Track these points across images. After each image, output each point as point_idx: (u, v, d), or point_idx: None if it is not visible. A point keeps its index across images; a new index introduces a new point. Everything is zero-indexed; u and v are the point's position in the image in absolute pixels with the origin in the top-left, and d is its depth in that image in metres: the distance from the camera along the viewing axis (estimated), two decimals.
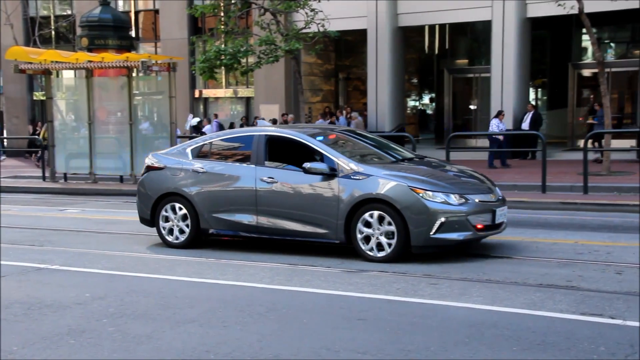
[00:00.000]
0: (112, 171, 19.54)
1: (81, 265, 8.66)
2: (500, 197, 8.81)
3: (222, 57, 20.37)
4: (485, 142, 23.25)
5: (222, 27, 22.15)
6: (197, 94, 29.62)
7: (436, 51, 29.31)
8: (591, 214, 12.17)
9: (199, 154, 9.69)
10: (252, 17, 23.41)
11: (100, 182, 19.31)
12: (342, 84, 30.28)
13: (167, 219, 9.66)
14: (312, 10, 20.31)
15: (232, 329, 5.91)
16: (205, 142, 9.93)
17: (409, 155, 9.66)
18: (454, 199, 8.21)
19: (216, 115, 26.10)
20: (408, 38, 26.84)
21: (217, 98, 30.18)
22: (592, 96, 25.08)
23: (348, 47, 29.05)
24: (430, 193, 8.16)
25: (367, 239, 8.37)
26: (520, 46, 23.08)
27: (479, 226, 8.30)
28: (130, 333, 5.84)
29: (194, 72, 23.88)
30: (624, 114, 24.97)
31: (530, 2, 21.98)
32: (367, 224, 8.33)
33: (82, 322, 6.18)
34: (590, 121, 21.47)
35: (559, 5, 17.32)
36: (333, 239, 8.60)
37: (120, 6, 30.93)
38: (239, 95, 29.62)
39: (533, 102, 25.02)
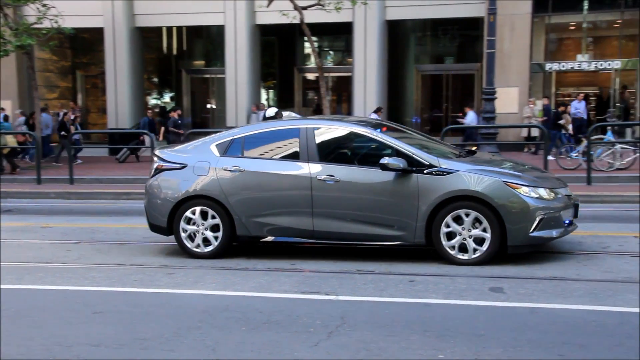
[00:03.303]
0: None
1: None
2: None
3: None
4: None
5: None
6: None
7: (174, 52, 29.04)
8: None
9: (228, 150, 8.09)
10: None
11: None
12: (80, 80, 28.76)
13: (191, 225, 8.01)
14: (44, 5, 19.00)
15: None
16: (235, 137, 8.18)
17: (459, 150, 8.54)
18: (545, 194, 7.35)
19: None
20: (146, 38, 26.27)
21: None
22: (315, 97, 26.57)
23: (85, 44, 27.63)
24: (525, 188, 7.23)
25: (453, 239, 7.30)
26: (252, 50, 23.77)
27: (566, 222, 7.55)
28: None
29: None
30: (343, 113, 26.81)
31: (259, 10, 22.68)
32: (455, 223, 7.27)
33: None
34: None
35: (283, 15, 18.14)
36: (410, 241, 7.46)
37: None
38: None
39: (264, 102, 25.85)
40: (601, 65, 21.83)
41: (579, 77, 23.44)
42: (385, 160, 7.35)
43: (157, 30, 26.99)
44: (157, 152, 8.61)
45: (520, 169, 7.94)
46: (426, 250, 7.56)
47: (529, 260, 7.40)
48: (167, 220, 8.10)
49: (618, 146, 15.37)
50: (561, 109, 18.99)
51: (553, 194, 7.41)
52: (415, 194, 7.32)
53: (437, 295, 6.28)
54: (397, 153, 7.48)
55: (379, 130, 7.93)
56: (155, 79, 29.84)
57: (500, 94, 16.54)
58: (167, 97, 29.70)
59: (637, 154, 15.08)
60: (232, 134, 8.33)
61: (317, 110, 24.19)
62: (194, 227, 7.99)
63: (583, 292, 6.21)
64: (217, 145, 8.16)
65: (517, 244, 7.21)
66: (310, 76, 27.21)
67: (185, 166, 8.11)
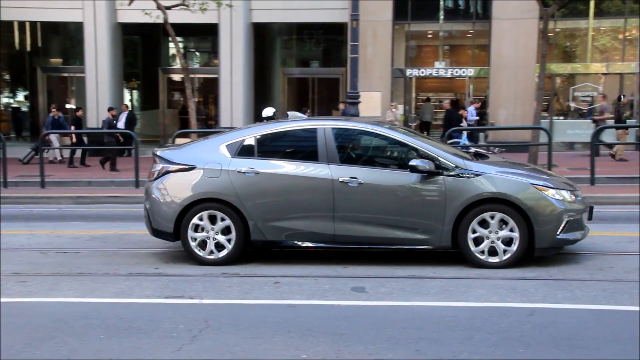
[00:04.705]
0: None
1: None
2: None
3: None
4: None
5: None
6: None
7: (28, 48, 27.55)
8: None
9: (240, 151, 7.63)
10: None
11: None
12: None
13: (200, 231, 7.53)
14: None
15: None
16: (246, 137, 7.74)
17: (470, 153, 8.42)
18: (567, 196, 7.31)
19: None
20: None
21: None
22: (181, 98, 26.13)
23: None
24: (552, 191, 7.20)
25: (480, 242, 7.16)
26: (113, 49, 23.04)
27: (584, 223, 7.50)
28: None
29: None
30: (210, 116, 26.54)
31: (120, 8, 22.03)
32: (482, 226, 7.14)
33: None
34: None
35: (146, 14, 17.71)
36: (435, 244, 7.26)
37: None
38: None
39: (128, 103, 25.11)
40: (456, 72, 23.02)
41: (437, 83, 24.62)
42: (414, 161, 7.19)
43: (8, 24, 25.48)
44: (158, 152, 8.02)
45: (538, 170, 8.04)
46: (449, 253, 7.44)
47: (390, 260, 7.66)
48: (173, 225, 7.60)
49: (472, 150, 16.20)
50: (461, 112, 19.80)
51: (574, 196, 7.43)
52: (442, 196, 7.18)
53: (301, 296, 6.37)
54: (422, 155, 7.34)
55: (398, 131, 7.89)
56: (7, 77, 28.19)
57: (364, 98, 17.01)
58: (20, 96, 28.14)
59: None
60: (243, 134, 7.91)
61: (183, 112, 23.80)
62: (204, 233, 7.57)
63: (439, 289, 6.52)
64: (227, 146, 7.72)
65: (544, 246, 7.19)
66: (176, 77, 26.74)
67: (194, 168, 7.65)
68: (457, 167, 7.24)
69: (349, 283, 6.79)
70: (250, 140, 7.75)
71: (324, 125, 7.68)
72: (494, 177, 7.21)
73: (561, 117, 22.65)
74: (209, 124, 25.69)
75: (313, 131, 7.68)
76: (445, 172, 7.21)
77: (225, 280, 6.96)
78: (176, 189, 7.66)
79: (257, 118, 23.98)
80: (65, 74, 26.86)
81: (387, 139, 7.79)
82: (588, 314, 5.74)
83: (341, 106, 20.90)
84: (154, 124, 26.36)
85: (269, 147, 7.80)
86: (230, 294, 6.49)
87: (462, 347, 4.97)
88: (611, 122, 18.46)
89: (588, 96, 21.92)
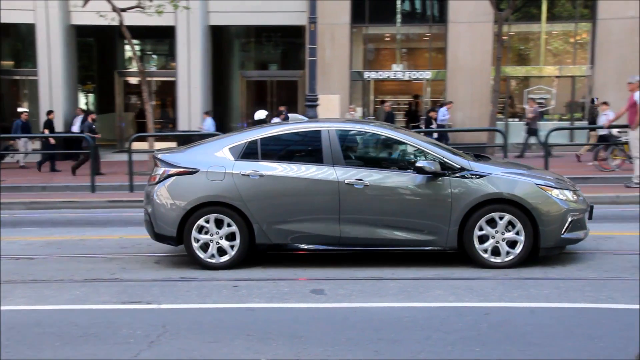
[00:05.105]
0: None
1: None
2: None
3: None
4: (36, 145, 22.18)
5: None
6: None
7: None
8: (135, 210, 12.48)
9: (244, 154, 7.53)
10: None
11: None
12: None
13: (204, 235, 7.44)
14: None
15: None
16: (249, 140, 7.64)
17: (471, 154, 8.29)
18: (570, 195, 7.40)
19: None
20: None
21: None
22: (138, 102, 25.79)
23: None
24: (556, 191, 7.28)
25: (486, 243, 7.21)
26: (67, 52, 22.63)
27: (586, 223, 7.59)
28: None
29: None
30: (168, 119, 26.27)
31: (74, 9, 21.66)
32: (488, 227, 7.18)
33: None
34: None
35: (101, 16, 17.46)
36: (441, 245, 7.28)
37: None
38: None
39: (83, 107, 24.71)
40: (414, 75, 23.23)
41: (395, 86, 24.78)
42: (421, 163, 7.24)
43: None
44: (159, 156, 7.86)
45: (539, 171, 8.11)
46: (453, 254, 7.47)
47: (349, 262, 7.70)
48: (176, 229, 7.49)
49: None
50: (431, 114, 19.89)
51: (576, 196, 7.53)
52: (448, 197, 7.20)
53: (260, 299, 6.36)
54: (427, 156, 7.40)
55: (403, 132, 7.95)
56: None
57: (322, 101, 17.02)
58: None
59: None
60: (245, 136, 7.79)
61: (141, 115, 23.50)
62: (208, 236, 7.46)
63: (397, 291, 6.57)
64: (230, 149, 7.62)
65: (549, 246, 7.28)
66: (133, 80, 26.38)
67: (197, 171, 7.51)
68: (462, 168, 7.30)
69: (308, 285, 6.80)
70: (253, 143, 7.68)
71: (328, 127, 7.64)
72: (498, 177, 7.29)
73: (516, 119, 23.04)
74: (169, 126, 25.46)
75: (317, 133, 7.63)
76: (450, 173, 7.26)
77: (183, 285, 6.91)
78: (179, 192, 7.53)
79: (216, 121, 23.92)
80: (17, 77, 26.27)
81: (391, 140, 7.87)
82: (542, 311, 5.87)
83: (281, 108, 20.57)
84: (110, 127, 25.99)
85: (272, 150, 7.72)
86: (188, 298, 6.44)
87: (420, 347, 5.02)
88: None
89: (542, 98, 22.33)
